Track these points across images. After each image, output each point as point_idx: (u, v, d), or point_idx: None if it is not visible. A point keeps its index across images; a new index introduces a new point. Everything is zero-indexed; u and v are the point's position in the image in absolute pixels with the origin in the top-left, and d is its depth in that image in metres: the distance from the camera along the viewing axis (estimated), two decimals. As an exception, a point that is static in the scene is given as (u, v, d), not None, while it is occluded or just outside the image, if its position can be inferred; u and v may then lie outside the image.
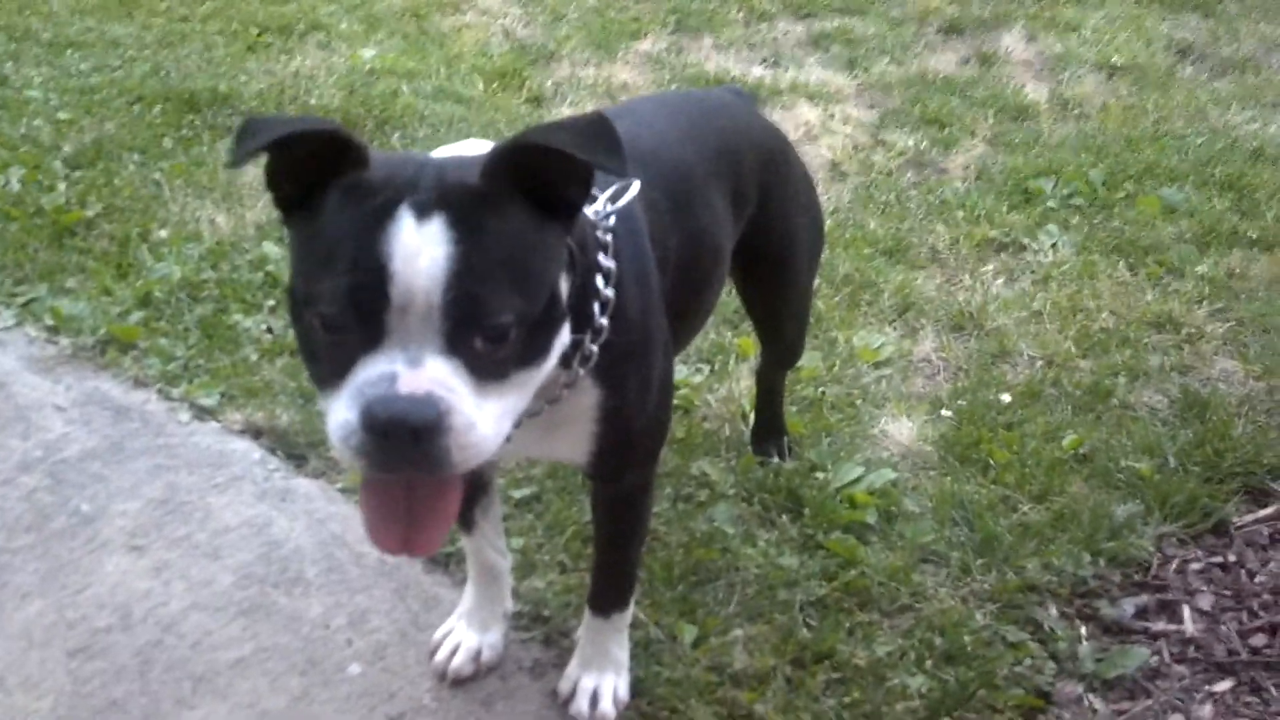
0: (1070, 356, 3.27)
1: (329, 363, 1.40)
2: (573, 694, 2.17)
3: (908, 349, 3.31)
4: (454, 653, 2.21)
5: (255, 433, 2.77)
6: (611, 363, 1.70)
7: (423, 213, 1.36)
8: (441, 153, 1.60)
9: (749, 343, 3.16)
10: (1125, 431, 2.96)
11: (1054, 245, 3.82)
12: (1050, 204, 4.07)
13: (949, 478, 2.79)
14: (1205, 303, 3.52)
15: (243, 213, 3.71)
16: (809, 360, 3.14)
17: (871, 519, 2.62)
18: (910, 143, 4.49)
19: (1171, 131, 4.65)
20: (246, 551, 2.43)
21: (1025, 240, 3.85)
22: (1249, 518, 2.71)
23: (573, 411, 1.73)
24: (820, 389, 3.06)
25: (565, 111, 4.68)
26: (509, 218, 1.41)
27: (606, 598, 2.13)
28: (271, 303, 3.25)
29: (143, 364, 3.00)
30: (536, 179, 1.43)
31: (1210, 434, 2.91)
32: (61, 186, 3.80)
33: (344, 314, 1.36)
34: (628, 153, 1.44)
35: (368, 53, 5.15)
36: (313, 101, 4.57)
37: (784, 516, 2.64)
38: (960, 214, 3.99)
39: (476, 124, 4.49)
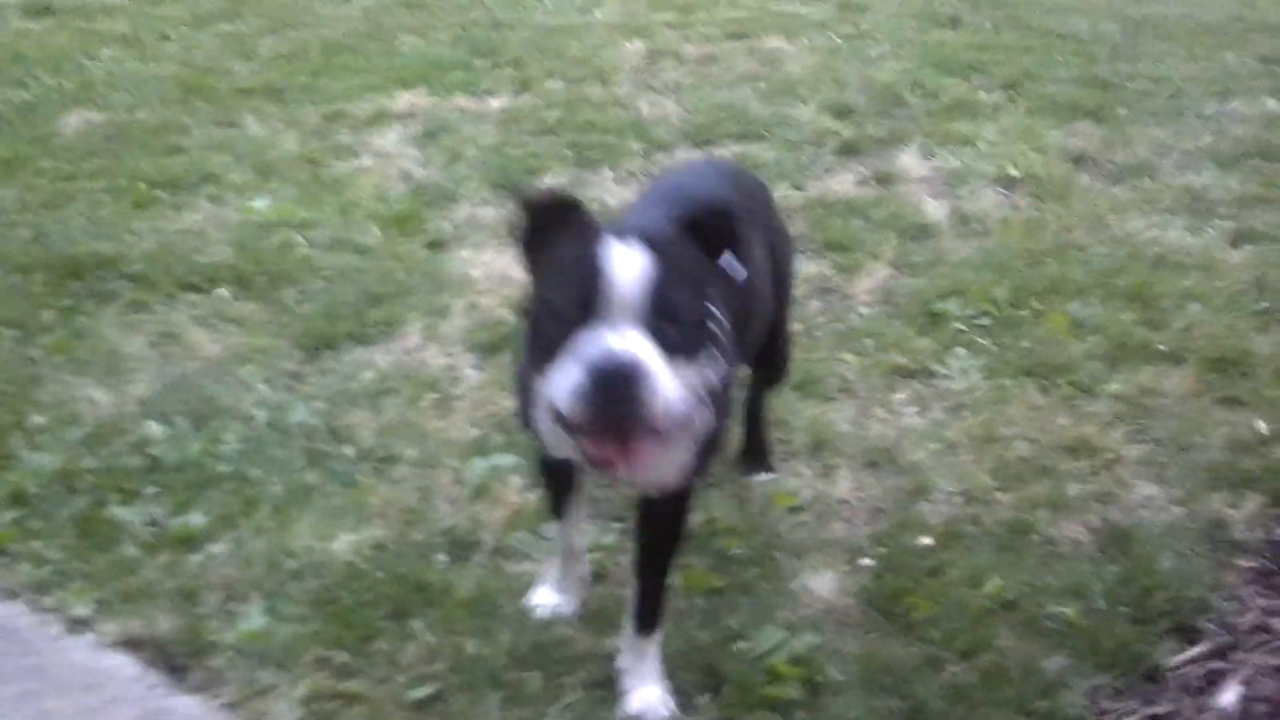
0: (988, 490, 3.19)
1: (556, 349, 1.93)
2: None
3: (824, 490, 3.21)
4: (543, 606, 2.70)
5: (133, 645, 2.58)
6: (715, 399, 2.20)
7: (628, 243, 1.97)
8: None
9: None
10: (1050, 570, 2.87)
11: (964, 370, 3.77)
12: (958, 326, 4.03)
13: (874, 634, 2.68)
14: (1120, 424, 3.47)
15: (125, 388, 3.55)
16: (724, 510, 3.05)
17: (795, 693, 2.49)
18: (815, 269, 4.44)
19: (1073, 243, 4.65)
20: (121, 787, 2.24)
21: (935, 366, 3.80)
22: (1181, 658, 2.62)
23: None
24: (735, 551, 2.94)
25: (466, 254, 4.59)
26: (684, 253, 2.03)
27: (652, 611, 2.47)
28: (153, 489, 3.09)
29: (14, 571, 2.80)
30: (705, 235, 2.08)
31: (1136, 570, 2.83)
32: (-69, 374, 3.61)
33: (573, 306, 1.93)
34: None
35: (260, 203, 5.04)
36: (202, 260, 4.44)
37: (704, 696, 2.50)
38: (868, 341, 3.94)
39: (374, 274, 4.38)
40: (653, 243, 1.98)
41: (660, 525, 2.42)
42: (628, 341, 1.90)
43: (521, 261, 2.17)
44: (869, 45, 7.38)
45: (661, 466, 2.19)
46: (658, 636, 2.49)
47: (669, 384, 1.92)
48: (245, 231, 4.73)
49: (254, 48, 7.45)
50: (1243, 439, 3.39)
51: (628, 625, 2.50)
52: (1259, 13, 8.35)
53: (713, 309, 2.08)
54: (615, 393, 1.87)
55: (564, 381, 1.90)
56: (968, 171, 5.34)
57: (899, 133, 5.80)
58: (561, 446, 2.19)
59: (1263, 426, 3.44)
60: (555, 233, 2.06)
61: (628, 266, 1.93)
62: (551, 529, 2.74)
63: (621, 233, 2.01)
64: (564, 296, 1.94)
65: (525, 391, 2.25)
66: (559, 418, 1.99)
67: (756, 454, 3.29)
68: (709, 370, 2.08)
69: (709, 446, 2.30)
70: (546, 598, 2.75)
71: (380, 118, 6.13)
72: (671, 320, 1.94)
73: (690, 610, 2.74)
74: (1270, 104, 6.31)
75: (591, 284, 1.91)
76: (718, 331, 2.14)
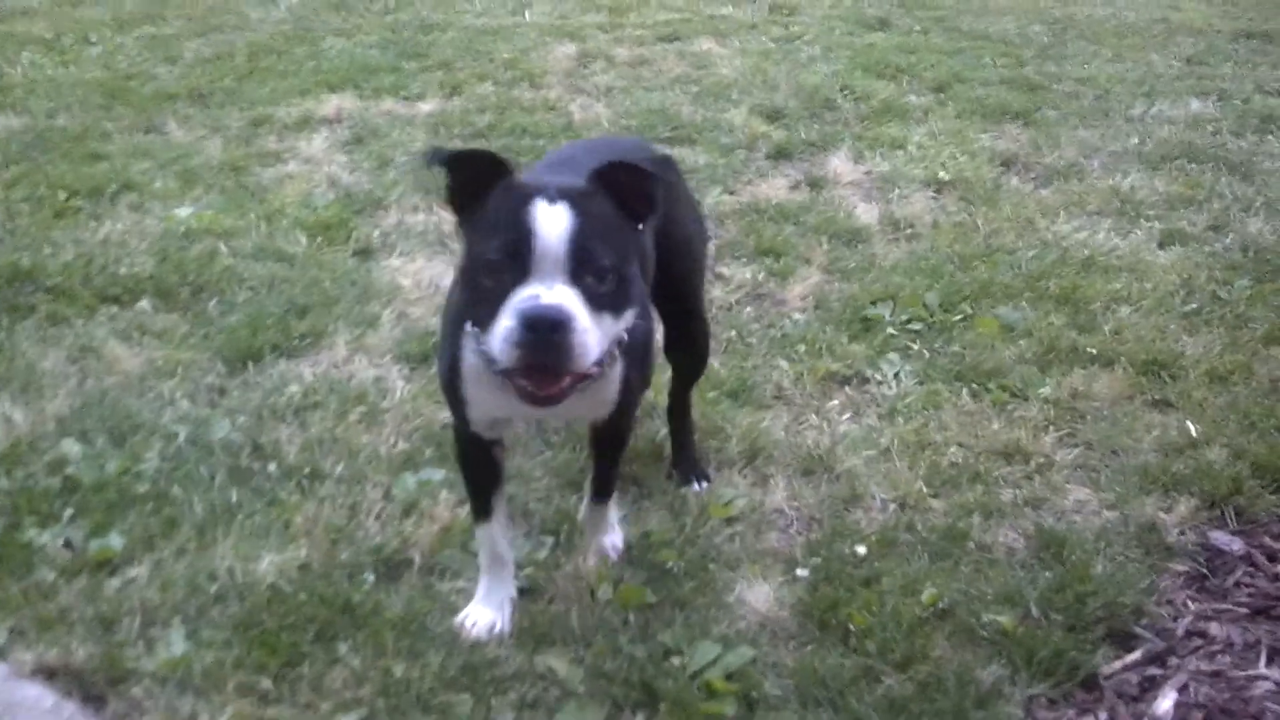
0: (922, 497, 3.19)
1: (490, 302, 2.11)
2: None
3: (759, 500, 3.19)
4: (474, 624, 2.69)
5: (48, 673, 2.49)
6: (630, 346, 2.41)
7: (552, 200, 2.11)
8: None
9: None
10: (984, 578, 2.87)
11: (896, 375, 3.76)
12: (890, 331, 4.02)
13: (810, 646, 2.66)
14: (1051, 428, 3.48)
15: (42, 405, 3.45)
16: (659, 522, 3.02)
17: (731, 710, 2.46)
18: (748, 275, 4.42)
19: (1003, 246, 4.67)
20: (35, 824, 2.16)
21: (868, 372, 3.79)
22: (1117, 665, 2.62)
23: (609, 380, 2.44)
24: (670, 565, 2.90)
25: (395, 263, 4.52)
26: (604, 208, 2.19)
27: (607, 488, 2.88)
28: (71, 511, 2.99)
29: (-77, 600, 2.70)
30: (623, 191, 2.23)
31: (1070, 576, 2.84)
32: None
33: (503, 260, 2.09)
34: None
35: (183, 212, 4.92)
36: (122, 271, 4.32)
37: (639, 714, 2.46)
38: (802, 347, 3.92)
39: (300, 284, 4.29)
40: (577, 200, 2.13)
41: (607, 437, 2.78)
42: (555, 294, 2.07)
43: (453, 220, 2.33)
44: (799, 48, 7.39)
45: (593, 402, 2.48)
46: (612, 500, 2.92)
47: (592, 333, 2.10)
48: (167, 241, 4.62)
49: (178, 51, 7.32)
50: (1173, 441, 3.41)
51: (586, 495, 2.94)
52: (1183, 15, 8.47)
53: (634, 261, 2.29)
54: (544, 341, 2.06)
55: (502, 328, 2.07)
56: (898, 175, 5.35)
57: (830, 136, 5.80)
58: (489, 402, 2.45)
59: (1193, 429, 3.46)
60: (484, 191, 2.19)
61: (554, 224, 2.09)
62: (479, 535, 2.75)
63: (547, 190, 2.14)
64: (495, 253, 2.10)
65: (450, 358, 2.46)
66: (494, 365, 2.17)
67: (690, 462, 3.30)
68: (631, 315, 2.29)
69: (634, 379, 2.57)
70: (477, 616, 2.72)
71: (307, 122, 6.03)
72: (594, 273, 2.11)
73: (624, 626, 2.71)
74: (1194, 105, 6.39)
75: (521, 241, 2.08)
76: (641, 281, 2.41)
